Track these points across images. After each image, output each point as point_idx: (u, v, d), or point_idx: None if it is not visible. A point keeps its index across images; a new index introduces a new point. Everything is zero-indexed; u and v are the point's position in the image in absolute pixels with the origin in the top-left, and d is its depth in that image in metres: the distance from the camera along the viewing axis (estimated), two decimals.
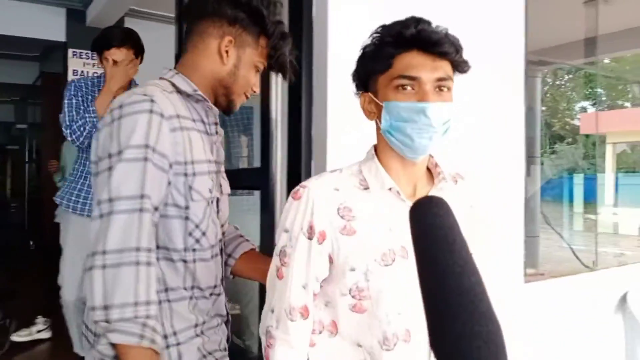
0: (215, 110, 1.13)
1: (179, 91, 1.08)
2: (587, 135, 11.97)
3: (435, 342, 0.52)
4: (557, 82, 13.97)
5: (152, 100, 0.98)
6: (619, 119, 10.94)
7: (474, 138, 1.85)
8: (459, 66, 1.02)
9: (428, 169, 1.10)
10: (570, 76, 13.60)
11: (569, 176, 9.68)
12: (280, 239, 1.05)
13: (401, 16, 1.81)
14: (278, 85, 1.47)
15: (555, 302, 2.43)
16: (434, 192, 1.06)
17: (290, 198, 1.05)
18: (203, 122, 1.11)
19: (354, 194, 1.04)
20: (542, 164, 5.38)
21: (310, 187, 1.04)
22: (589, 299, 2.61)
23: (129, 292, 0.87)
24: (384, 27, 1.04)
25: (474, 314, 0.51)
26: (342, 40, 1.60)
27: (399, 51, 0.99)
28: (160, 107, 0.99)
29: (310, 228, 1.01)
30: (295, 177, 1.62)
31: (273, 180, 1.47)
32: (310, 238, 1.02)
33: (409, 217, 0.63)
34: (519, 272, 2.14)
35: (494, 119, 1.88)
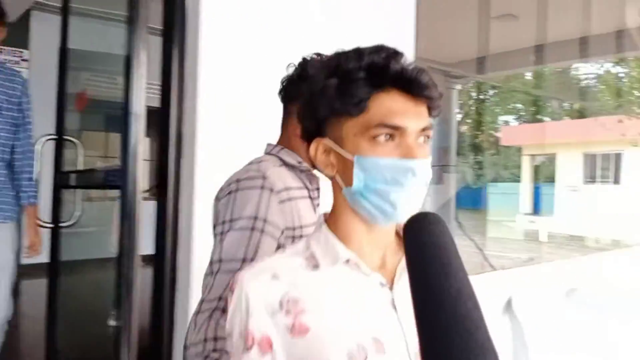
0: (317, 177, 1.26)
1: (286, 164, 1.24)
2: (507, 147, 12.61)
3: None
4: (481, 96, 14.68)
5: (264, 177, 1.15)
6: (535, 132, 11.59)
7: None
8: (435, 111, 0.83)
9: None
10: (495, 90, 14.32)
11: (489, 184, 10.13)
12: (227, 345, 0.84)
13: (280, 19, 1.83)
14: (141, 79, 1.41)
15: None
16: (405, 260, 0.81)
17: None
18: (307, 188, 1.25)
19: (299, 278, 0.80)
20: (457, 172, 5.58)
21: (243, 279, 0.81)
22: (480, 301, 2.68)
23: (201, 331, 1.03)
24: (344, 55, 0.82)
25: (469, 342, 0.50)
26: (215, 35, 1.57)
27: (375, 90, 0.79)
28: (271, 183, 1.14)
29: (247, 336, 0.78)
30: (162, 175, 1.57)
31: (132, 178, 1.40)
32: (249, 349, 0.77)
33: (402, 235, 0.59)
34: None
35: None
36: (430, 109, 0.83)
